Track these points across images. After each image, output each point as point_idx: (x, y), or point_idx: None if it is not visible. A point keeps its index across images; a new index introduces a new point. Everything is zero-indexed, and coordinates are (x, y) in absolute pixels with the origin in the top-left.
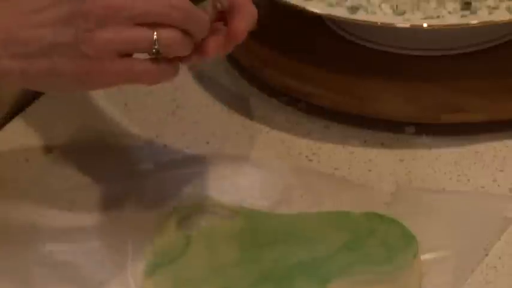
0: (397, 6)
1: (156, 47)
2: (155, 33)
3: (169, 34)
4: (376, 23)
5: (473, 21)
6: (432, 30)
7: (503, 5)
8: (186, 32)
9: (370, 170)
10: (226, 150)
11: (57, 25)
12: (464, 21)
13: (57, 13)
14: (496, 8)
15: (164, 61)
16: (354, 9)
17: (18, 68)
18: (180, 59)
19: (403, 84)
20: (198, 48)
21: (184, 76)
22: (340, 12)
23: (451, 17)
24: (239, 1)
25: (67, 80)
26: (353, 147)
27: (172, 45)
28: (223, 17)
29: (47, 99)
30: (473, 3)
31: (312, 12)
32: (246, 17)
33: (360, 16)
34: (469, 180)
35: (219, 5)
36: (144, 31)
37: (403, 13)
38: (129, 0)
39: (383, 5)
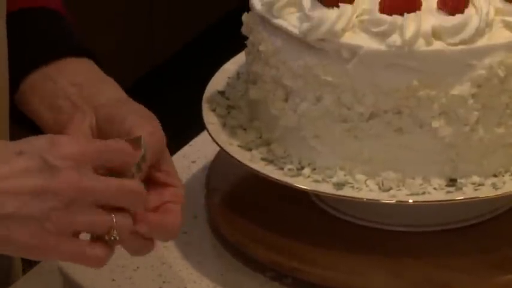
0: (382, 182)
1: (114, 234)
2: (114, 220)
3: (125, 221)
4: (362, 199)
5: (459, 197)
6: (417, 206)
7: (489, 181)
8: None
9: None
10: None
11: (25, 196)
12: (449, 197)
13: (27, 183)
14: (481, 184)
15: (112, 246)
16: (339, 185)
17: None
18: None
19: (389, 259)
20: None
21: (171, 251)
22: (327, 188)
23: (437, 193)
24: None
25: (17, 248)
26: None
27: (126, 232)
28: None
29: (33, 274)
30: (458, 180)
31: (299, 188)
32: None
33: (346, 192)
34: None
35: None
36: (105, 216)
37: (388, 189)
38: (100, 184)
39: (368, 182)
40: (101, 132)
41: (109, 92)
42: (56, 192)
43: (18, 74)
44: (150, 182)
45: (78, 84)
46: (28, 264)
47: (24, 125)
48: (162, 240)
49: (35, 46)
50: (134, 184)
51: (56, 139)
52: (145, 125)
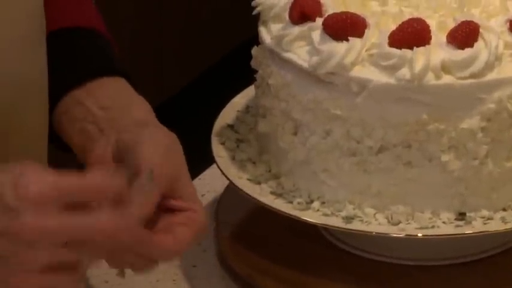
0: (392, 216)
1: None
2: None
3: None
4: (371, 232)
5: (468, 231)
6: (427, 240)
7: (498, 215)
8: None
9: None
10: None
11: None
12: (458, 231)
13: None
14: (490, 218)
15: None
16: (349, 219)
17: None
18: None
19: None
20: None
21: (179, 285)
22: (336, 222)
23: (446, 227)
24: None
25: None
26: None
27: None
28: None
29: None
30: (467, 214)
31: (308, 222)
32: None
33: (355, 226)
34: None
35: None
36: (70, 254)
37: (397, 223)
38: (60, 225)
39: (378, 215)
40: (119, 159)
41: (134, 113)
42: (16, 233)
43: (52, 97)
44: (164, 208)
45: (106, 108)
46: None
47: (61, 148)
48: (157, 258)
49: (68, 68)
50: (97, 222)
51: (20, 179)
52: (154, 155)
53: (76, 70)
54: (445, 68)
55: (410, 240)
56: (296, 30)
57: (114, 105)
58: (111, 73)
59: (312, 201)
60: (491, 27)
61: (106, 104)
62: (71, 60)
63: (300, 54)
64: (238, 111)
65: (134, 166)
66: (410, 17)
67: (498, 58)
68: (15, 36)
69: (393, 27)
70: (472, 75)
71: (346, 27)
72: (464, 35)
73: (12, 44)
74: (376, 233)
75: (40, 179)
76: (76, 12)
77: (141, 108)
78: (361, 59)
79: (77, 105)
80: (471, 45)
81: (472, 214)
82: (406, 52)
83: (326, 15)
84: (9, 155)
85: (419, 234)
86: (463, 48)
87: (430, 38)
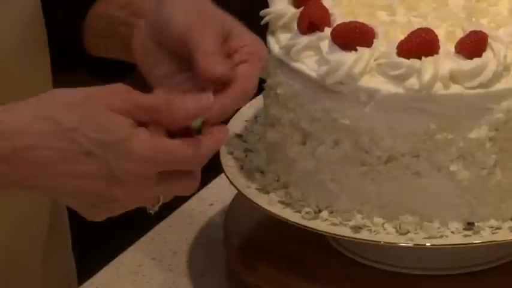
0: (400, 226)
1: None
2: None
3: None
4: (380, 242)
5: (476, 240)
6: (435, 250)
7: (506, 225)
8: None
9: None
10: None
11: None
12: (467, 240)
13: (91, 185)
14: (499, 228)
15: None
16: (357, 228)
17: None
18: None
19: None
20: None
21: None
22: (344, 231)
23: (454, 236)
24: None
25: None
26: None
27: None
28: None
29: None
30: (476, 224)
31: (317, 231)
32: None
33: (364, 235)
34: None
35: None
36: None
37: (406, 233)
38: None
39: (386, 225)
40: (158, 40)
41: None
42: (117, 198)
43: (75, 22)
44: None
45: (125, 5)
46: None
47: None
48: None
49: None
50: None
51: (129, 145)
52: (192, 24)
53: None
54: (454, 77)
55: (418, 250)
56: (305, 40)
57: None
58: None
59: (320, 211)
60: (500, 37)
61: (123, 2)
62: None
63: (308, 64)
64: (246, 120)
65: (177, 37)
66: (419, 27)
67: (506, 68)
68: (13, 46)
69: (402, 37)
70: (481, 85)
71: (354, 36)
72: (473, 45)
73: (11, 54)
74: (384, 242)
75: (148, 147)
76: None
77: None
78: (369, 68)
79: (101, 18)
80: (479, 55)
81: (480, 224)
82: (415, 62)
83: (334, 25)
84: None
85: (428, 244)
86: (471, 58)
87: (438, 47)
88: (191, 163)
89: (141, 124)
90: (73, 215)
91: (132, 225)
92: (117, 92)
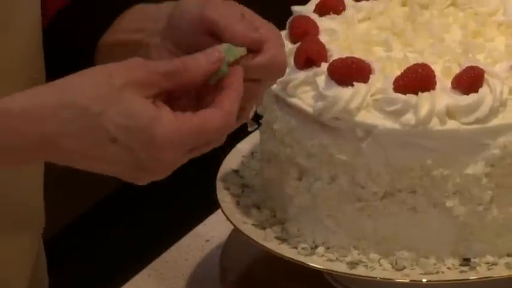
0: (396, 262)
1: None
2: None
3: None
4: (376, 278)
5: (472, 276)
6: (431, 286)
7: (502, 261)
8: None
9: None
10: None
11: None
12: (463, 276)
13: (116, 169)
14: (495, 264)
15: None
16: (353, 264)
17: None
18: None
19: None
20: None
21: None
22: (341, 267)
23: (450, 272)
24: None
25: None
26: None
27: None
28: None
29: None
30: (472, 260)
31: (313, 267)
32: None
33: (360, 271)
34: None
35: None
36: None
37: (402, 269)
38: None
39: (382, 261)
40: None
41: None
42: (148, 175)
43: (88, 58)
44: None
45: (140, 28)
46: None
47: None
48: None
49: (89, 22)
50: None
51: (156, 133)
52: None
53: (96, 21)
54: (450, 113)
55: (415, 286)
56: (301, 75)
57: (145, 22)
58: (122, 8)
59: (316, 247)
60: (496, 73)
61: (138, 26)
62: (87, 17)
63: (305, 100)
64: (243, 156)
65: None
66: (415, 63)
67: (503, 104)
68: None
69: (398, 72)
70: (477, 121)
71: (351, 72)
72: (469, 80)
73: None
74: (380, 278)
75: (174, 135)
76: None
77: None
78: (366, 104)
79: (115, 46)
80: (476, 91)
81: (476, 259)
82: (411, 97)
83: (331, 60)
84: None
85: (424, 280)
86: (467, 94)
87: (435, 83)
88: (220, 132)
89: (164, 93)
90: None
91: (129, 261)
92: (136, 66)
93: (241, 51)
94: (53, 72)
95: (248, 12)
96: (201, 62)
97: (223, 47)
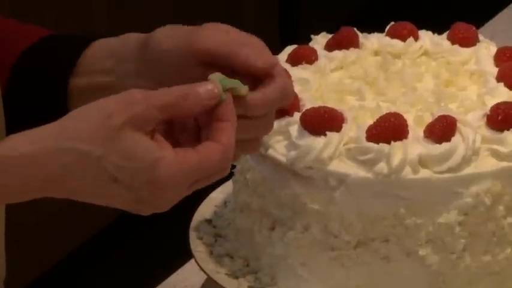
0: None
1: None
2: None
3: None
4: None
5: None
6: None
7: None
8: None
9: None
10: None
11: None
12: None
13: (117, 206)
14: None
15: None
16: None
17: None
18: None
19: None
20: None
21: None
22: None
23: None
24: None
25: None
26: None
27: None
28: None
29: None
30: None
31: None
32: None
33: None
34: None
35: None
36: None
37: None
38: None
39: None
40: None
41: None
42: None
43: (60, 102)
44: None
45: (110, 69)
46: None
47: None
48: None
49: (54, 65)
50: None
51: (159, 175)
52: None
53: (61, 61)
54: (423, 162)
55: None
56: (274, 125)
57: (113, 62)
58: (87, 42)
59: None
60: (469, 122)
61: (106, 66)
62: (51, 60)
63: (278, 149)
64: (216, 206)
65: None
66: (388, 112)
67: (475, 152)
68: None
69: (371, 121)
70: (450, 170)
71: (323, 121)
72: (442, 129)
73: None
74: None
75: (176, 172)
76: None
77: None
78: (338, 153)
79: (87, 91)
80: (448, 140)
81: None
82: (384, 146)
83: (304, 110)
84: None
85: None
86: (440, 143)
87: (407, 132)
88: (220, 166)
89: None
90: None
91: None
92: (136, 102)
93: (236, 83)
94: (16, 121)
95: (231, 29)
96: (201, 96)
97: (217, 76)
